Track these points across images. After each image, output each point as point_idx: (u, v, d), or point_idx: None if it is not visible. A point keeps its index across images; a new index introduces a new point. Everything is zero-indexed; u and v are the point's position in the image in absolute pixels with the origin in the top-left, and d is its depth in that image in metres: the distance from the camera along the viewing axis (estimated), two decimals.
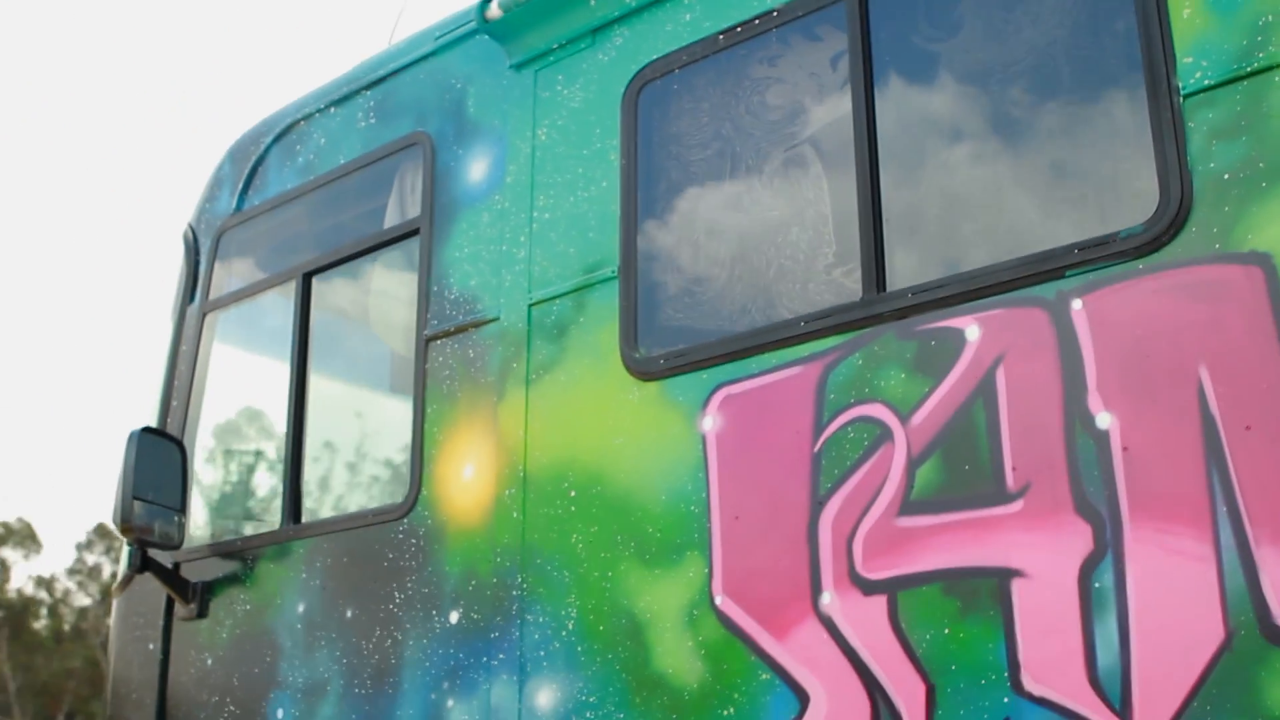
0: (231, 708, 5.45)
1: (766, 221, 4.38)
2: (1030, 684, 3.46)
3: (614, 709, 4.22)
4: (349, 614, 5.08)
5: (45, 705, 51.23)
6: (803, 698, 3.84)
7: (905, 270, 3.99)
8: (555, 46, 5.01)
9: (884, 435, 3.84)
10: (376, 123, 5.66)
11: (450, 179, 5.25)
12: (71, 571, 57.09)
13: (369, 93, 5.74)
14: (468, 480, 4.84)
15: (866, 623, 3.77)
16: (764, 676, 3.93)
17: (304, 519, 5.54)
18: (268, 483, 6.53)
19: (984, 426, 3.66)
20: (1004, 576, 3.55)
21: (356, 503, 6.59)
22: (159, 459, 5.62)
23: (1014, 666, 3.49)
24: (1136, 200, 3.61)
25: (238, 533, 6.42)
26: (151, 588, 5.84)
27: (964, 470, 3.67)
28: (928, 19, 4.17)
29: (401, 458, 5.62)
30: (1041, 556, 3.50)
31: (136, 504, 5.46)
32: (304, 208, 5.91)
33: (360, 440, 6.81)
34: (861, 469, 3.87)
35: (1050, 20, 3.90)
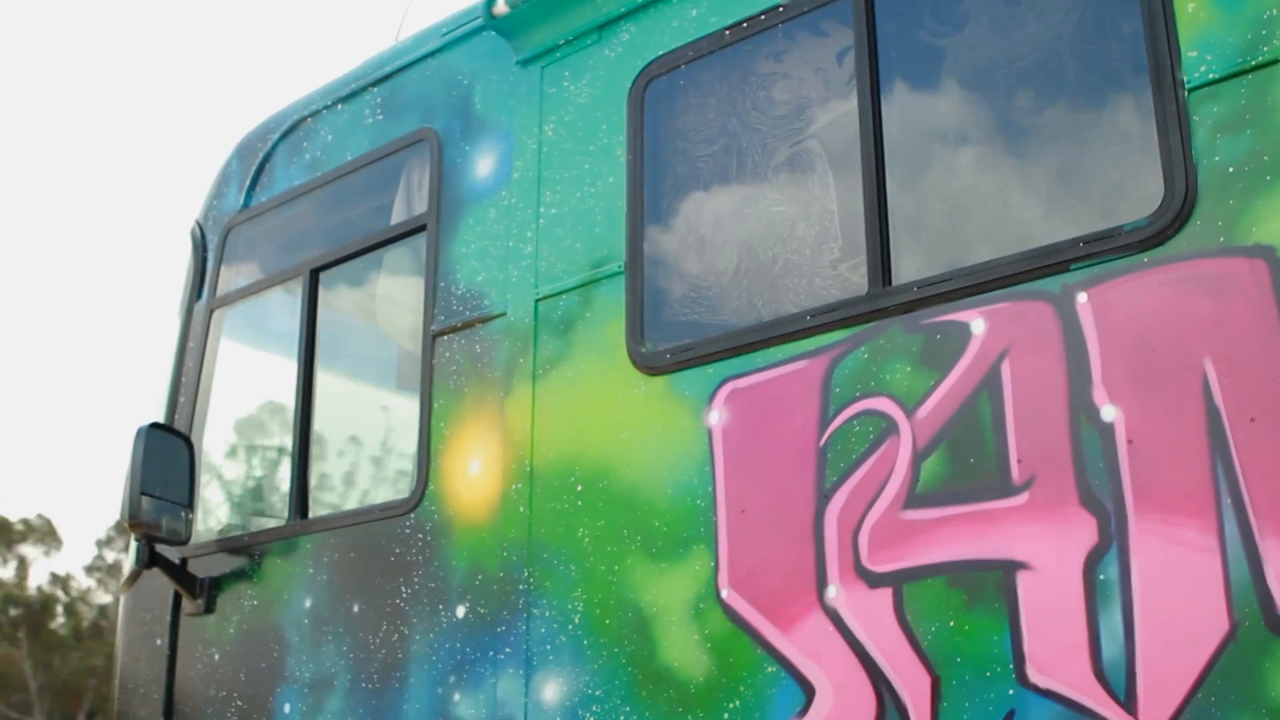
0: (238, 703, 5.47)
1: (772, 216, 4.39)
2: (1035, 676, 3.47)
3: (620, 702, 4.23)
4: (356, 609, 5.10)
5: (66, 704, 51.15)
6: (808, 690, 3.85)
7: (910, 264, 4.00)
8: (562, 42, 5.03)
9: (889, 429, 3.85)
10: (383, 119, 5.67)
11: (457, 175, 5.26)
12: (91, 569, 57.03)
13: (376, 89, 5.76)
14: (474, 475, 4.85)
15: (872, 616, 3.78)
16: (770, 669, 3.94)
17: (311, 514, 5.56)
18: (275, 478, 6.55)
19: (989, 420, 3.67)
20: (1009, 569, 3.56)
21: (363, 498, 6.62)
22: (167, 455, 5.64)
23: (1019, 659, 3.50)
24: (1141, 194, 3.61)
25: (245, 528, 6.44)
26: (159, 583, 5.86)
27: (969, 463, 3.68)
28: (933, 14, 4.17)
29: (408, 453, 5.63)
30: (1046, 549, 3.51)
31: (144, 499, 5.48)
32: (311, 204, 5.92)
33: (367, 436, 6.83)
34: (867, 462, 3.88)
35: (1055, 15, 3.91)
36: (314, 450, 5.69)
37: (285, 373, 5.83)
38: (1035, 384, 3.61)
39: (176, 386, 6.17)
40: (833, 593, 3.85)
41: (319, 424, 5.77)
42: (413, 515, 5.00)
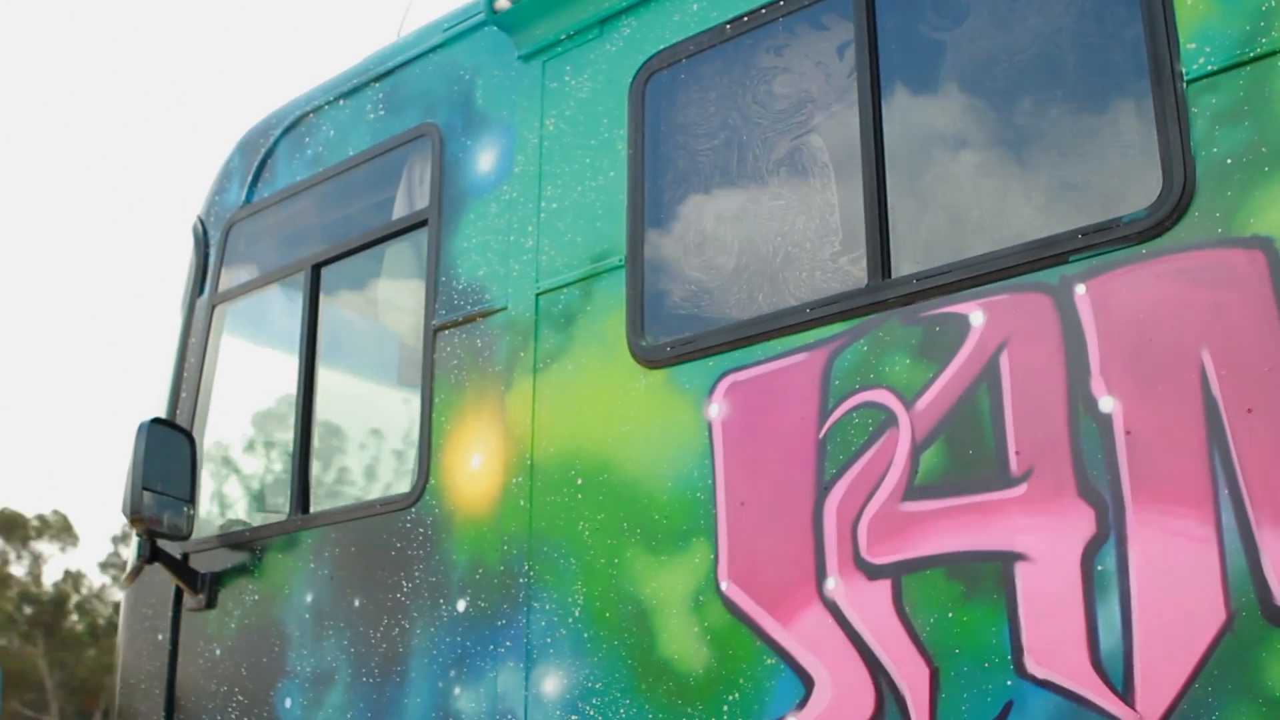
0: (240, 697, 5.47)
1: (772, 210, 4.39)
2: (1033, 667, 3.47)
3: (620, 695, 4.24)
4: (357, 603, 5.11)
5: (82, 702, 51.10)
6: (807, 682, 3.86)
7: (910, 257, 4.01)
8: (563, 37, 5.04)
9: (889, 421, 3.86)
10: (385, 114, 5.68)
11: (459, 170, 5.27)
12: (105, 565, 56.95)
13: (378, 85, 5.77)
14: (475, 469, 4.86)
15: (871, 607, 3.78)
16: (769, 661, 3.94)
17: (312, 509, 5.56)
18: (276, 473, 6.56)
19: (988, 411, 3.68)
20: (1007, 560, 3.56)
21: (364, 492, 6.62)
22: (168, 450, 5.65)
23: (1017, 650, 3.51)
24: (1139, 186, 3.62)
25: (246, 523, 6.45)
26: (161, 578, 5.87)
27: (968, 455, 3.69)
28: (933, 7, 4.18)
29: (409, 447, 5.64)
30: (1045, 540, 3.51)
31: (146, 495, 5.49)
32: (313, 200, 5.94)
33: (368, 430, 6.84)
34: (866, 455, 3.88)
35: (1054, 8, 3.92)
36: (315, 445, 5.70)
37: (287, 368, 5.84)
38: (1034, 376, 3.62)
39: (178, 382, 6.18)
40: (832, 585, 3.86)
41: (320, 419, 5.78)
42: (413, 509, 5.01)
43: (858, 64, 4.24)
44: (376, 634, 5.00)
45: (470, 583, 4.75)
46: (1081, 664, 3.40)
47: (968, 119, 4.07)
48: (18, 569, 54.92)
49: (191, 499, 5.67)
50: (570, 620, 4.42)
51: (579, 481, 4.52)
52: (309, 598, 5.29)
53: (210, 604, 5.70)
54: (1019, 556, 3.55)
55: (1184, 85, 3.54)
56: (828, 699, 3.81)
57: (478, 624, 4.69)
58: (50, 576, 56.28)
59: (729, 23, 4.58)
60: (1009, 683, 3.50)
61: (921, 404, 3.80)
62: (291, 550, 5.44)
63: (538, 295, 4.83)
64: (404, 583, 4.95)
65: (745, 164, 4.49)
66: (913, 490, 3.77)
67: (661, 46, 4.76)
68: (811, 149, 4.36)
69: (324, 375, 5.81)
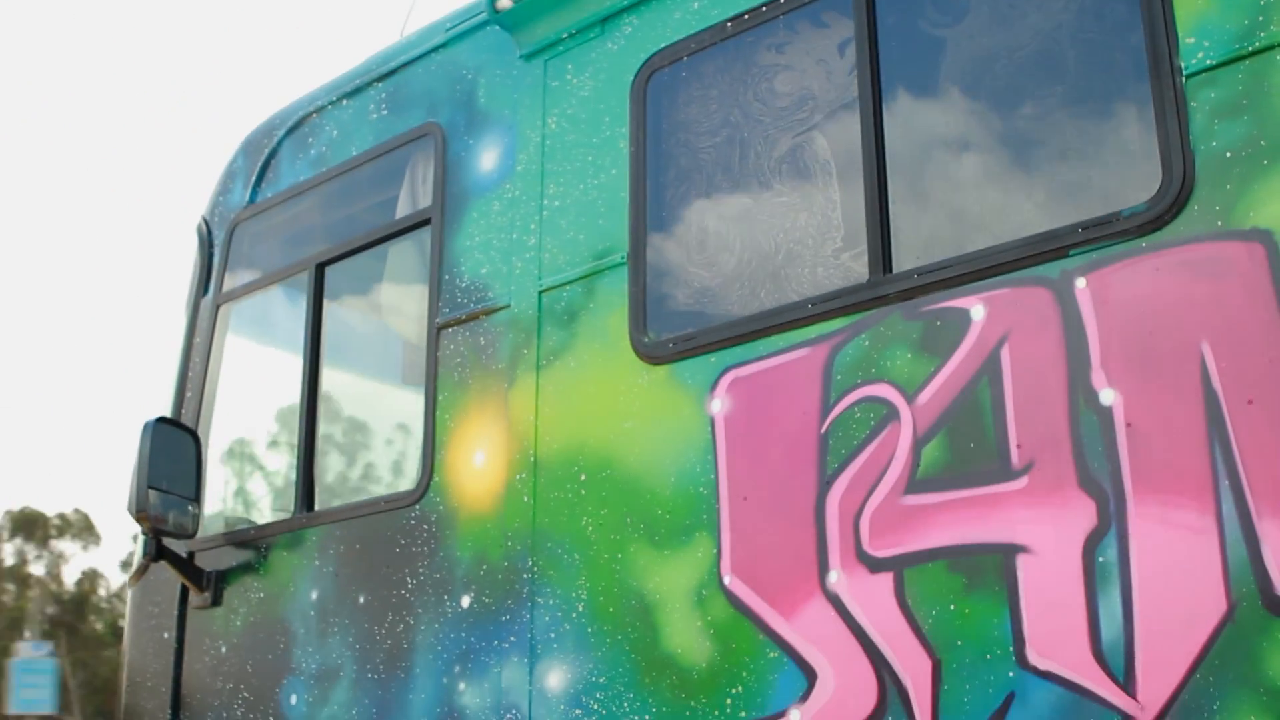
0: (245, 694, 5.49)
1: (773, 206, 4.41)
2: (1035, 658, 3.49)
3: (623, 689, 4.26)
4: (361, 600, 5.13)
5: (104, 702, 51.00)
6: (810, 675, 3.88)
7: (911, 251, 4.03)
8: (565, 36, 5.06)
9: (890, 415, 3.87)
10: (388, 114, 5.70)
11: (461, 169, 5.29)
12: (126, 564, 56.77)
13: (380, 85, 5.79)
14: (479, 466, 4.88)
15: (873, 600, 3.80)
16: (772, 655, 3.96)
17: (317, 507, 5.58)
18: (281, 471, 6.58)
19: (989, 405, 3.69)
20: (1009, 553, 3.58)
21: (369, 490, 6.64)
22: (174, 449, 5.68)
23: (1019, 641, 3.52)
24: (1139, 179, 3.63)
25: (251, 521, 6.47)
26: (166, 577, 5.90)
27: (969, 448, 3.71)
28: (933, 3, 4.20)
29: (414, 445, 5.66)
30: (1046, 532, 3.53)
31: (152, 493, 5.51)
32: (316, 199, 5.96)
33: (372, 428, 6.86)
34: (868, 449, 3.90)
35: (1054, 3, 3.93)
36: (320, 443, 5.72)
37: (291, 367, 5.86)
38: (1034, 369, 3.64)
39: (183, 381, 6.20)
40: (834, 578, 3.88)
41: (325, 417, 5.80)
42: (418, 506, 5.03)
43: (858, 61, 4.26)
44: (381, 630, 5.02)
45: (474, 579, 4.77)
46: (1083, 655, 3.42)
47: (968, 115, 4.09)
48: (37, 568, 54.78)
49: (196, 497, 5.70)
50: (574, 615, 4.44)
51: (582, 477, 4.54)
52: (314, 595, 5.31)
53: (216, 602, 5.72)
54: (1020, 549, 3.56)
55: (1183, 79, 3.56)
56: (830, 692, 3.83)
57: (482, 620, 4.71)
58: (72, 576, 56.15)
59: (730, 20, 4.60)
60: (1011, 674, 3.52)
61: (923, 398, 3.82)
62: (296, 548, 5.46)
63: (540, 293, 4.85)
64: (408, 579, 4.97)
65: (746, 161, 4.51)
66: (914, 484, 3.79)
67: (663, 45, 4.77)
68: (812, 146, 4.38)
69: (328, 374, 5.83)
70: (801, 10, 4.44)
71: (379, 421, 6.95)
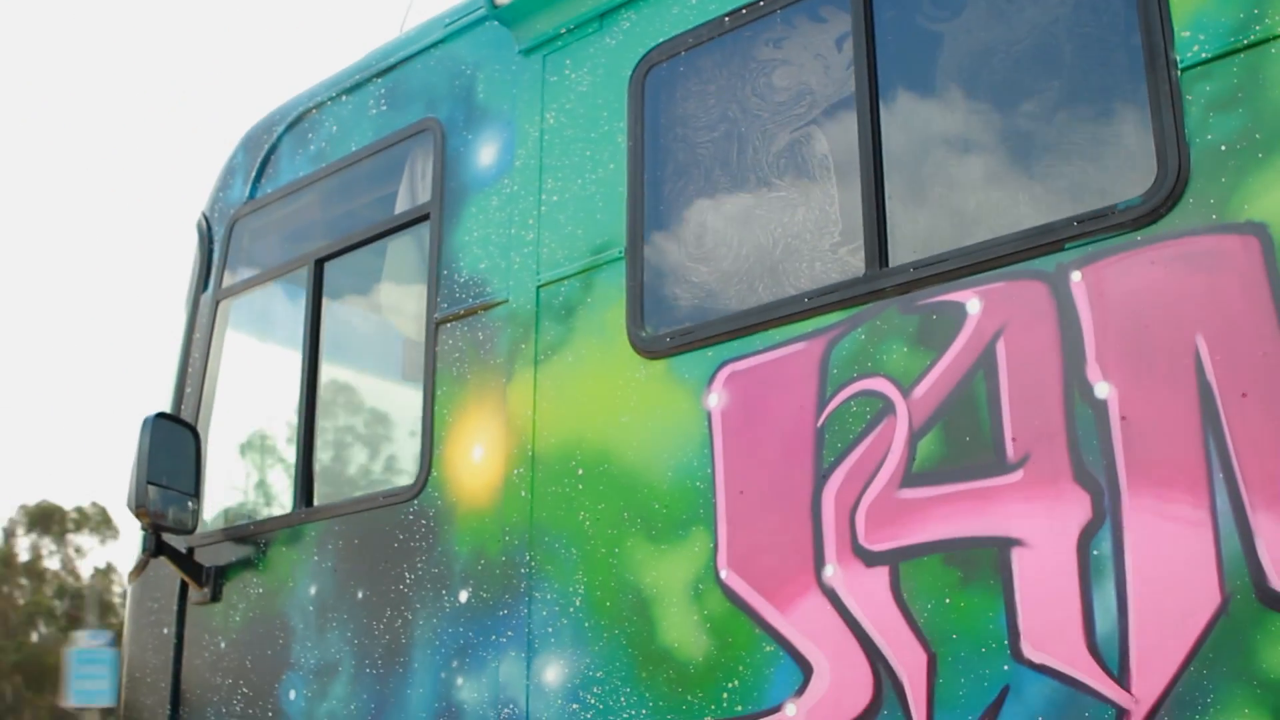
0: (245, 690, 5.50)
1: (770, 201, 4.41)
2: (1030, 651, 3.49)
3: (621, 683, 4.26)
4: (360, 595, 5.13)
5: None
6: (806, 669, 3.88)
7: (907, 245, 4.03)
8: (563, 31, 5.06)
9: (886, 409, 3.88)
10: (387, 110, 5.71)
11: (460, 164, 5.30)
12: None
13: (380, 80, 5.80)
14: (477, 461, 4.88)
15: (869, 594, 3.80)
16: (768, 649, 3.96)
17: (316, 502, 5.59)
18: (280, 467, 6.58)
19: (984, 398, 3.70)
20: (1004, 546, 3.58)
21: (368, 485, 6.65)
22: (173, 445, 5.68)
23: (1014, 634, 3.52)
24: (1135, 173, 3.64)
25: (250, 517, 6.48)
26: (166, 572, 5.90)
27: (965, 442, 3.71)
28: None
29: (412, 440, 5.66)
30: (1041, 525, 3.53)
31: (151, 489, 5.52)
32: (316, 195, 5.96)
33: (371, 423, 6.86)
34: (864, 442, 3.90)
35: None
36: (319, 439, 5.73)
37: (291, 363, 5.86)
38: (1030, 362, 3.64)
39: (183, 377, 6.21)
40: (830, 572, 3.88)
41: (324, 413, 5.80)
42: (416, 501, 5.03)
43: (855, 55, 4.26)
44: (380, 626, 5.02)
45: (472, 574, 4.77)
46: (1078, 648, 3.42)
47: (964, 109, 4.09)
48: (52, 562, 54.59)
49: (196, 493, 5.71)
50: (571, 610, 4.45)
51: (580, 472, 4.54)
52: (313, 590, 5.32)
53: (215, 597, 5.73)
54: (1016, 542, 3.56)
55: (1178, 73, 3.56)
56: (826, 685, 3.83)
57: (480, 614, 4.71)
58: (90, 570, 55.93)
59: (727, 15, 4.60)
60: (1006, 667, 3.52)
61: (919, 391, 3.82)
62: (295, 543, 5.47)
63: (538, 287, 4.85)
64: (407, 574, 4.98)
65: (744, 156, 4.51)
66: (910, 477, 3.79)
67: (660, 40, 4.78)
68: (809, 140, 4.38)
69: (327, 369, 5.84)
70: (799, 5, 4.45)
71: (378, 417, 6.96)
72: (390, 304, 6.36)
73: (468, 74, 5.41)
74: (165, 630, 5.90)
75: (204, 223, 6.44)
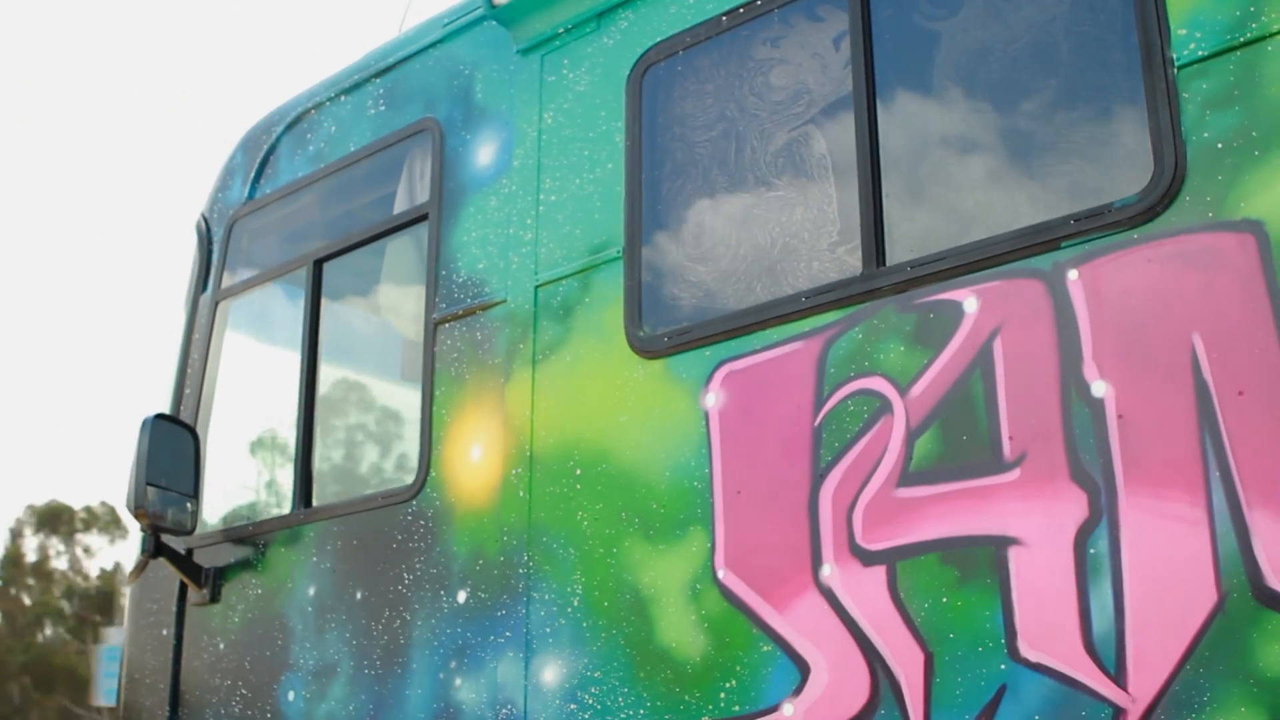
0: (244, 691, 5.50)
1: (768, 200, 4.41)
2: (1027, 650, 3.48)
3: (618, 683, 4.26)
4: (359, 596, 5.13)
5: None
6: (804, 669, 3.87)
7: (904, 244, 4.02)
8: (561, 31, 5.06)
9: (883, 408, 3.87)
10: (386, 110, 5.71)
11: (458, 164, 5.30)
12: None
13: (378, 80, 5.80)
14: (475, 461, 4.88)
15: (866, 593, 3.80)
16: (766, 648, 3.96)
17: (315, 503, 5.59)
18: (279, 468, 6.58)
19: (981, 397, 3.69)
20: (1001, 545, 3.58)
21: (366, 486, 6.65)
22: (172, 446, 5.68)
23: (1011, 633, 3.52)
24: (1131, 171, 3.63)
25: (249, 518, 6.47)
26: (165, 574, 5.90)
27: (962, 441, 3.70)
28: None
29: (410, 440, 5.66)
30: (1038, 524, 3.52)
31: (150, 490, 5.52)
32: (315, 195, 5.96)
33: (370, 424, 6.86)
34: (861, 442, 3.90)
35: None
36: (318, 439, 5.73)
37: (290, 363, 5.86)
38: (1027, 361, 3.63)
39: (182, 378, 6.21)
40: (827, 571, 3.87)
41: (323, 413, 5.80)
42: (414, 502, 5.03)
43: (853, 54, 4.25)
44: (378, 626, 5.02)
45: (470, 574, 4.77)
46: (1074, 647, 3.41)
47: (961, 107, 4.09)
48: (60, 563, 54.43)
49: (195, 494, 5.71)
50: (569, 610, 4.44)
51: (578, 472, 4.54)
52: (311, 591, 5.31)
53: (214, 598, 5.73)
54: (1013, 541, 3.56)
55: (1175, 71, 3.56)
56: (824, 685, 3.83)
57: (478, 615, 4.71)
58: (98, 570, 55.75)
59: (725, 15, 4.60)
60: (1003, 666, 3.51)
61: (916, 390, 3.82)
62: (294, 544, 5.47)
63: (537, 287, 4.85)
64: (405, 575, 4.98)
65: (741, 155, 4.50)
66: (907, 476, 3.78)
67: (658, 39, 4.77)
68: (807, 139, 4.38)
69: (326, 370, 5.84)
70: (796, 4, 4.44)
71: (377, 417, 6.96)
72: (389, 304, 6.36)
73: (466, 74, 5.41)
74: (164, 631, 5.90)
75: (203, 223, 6.44)
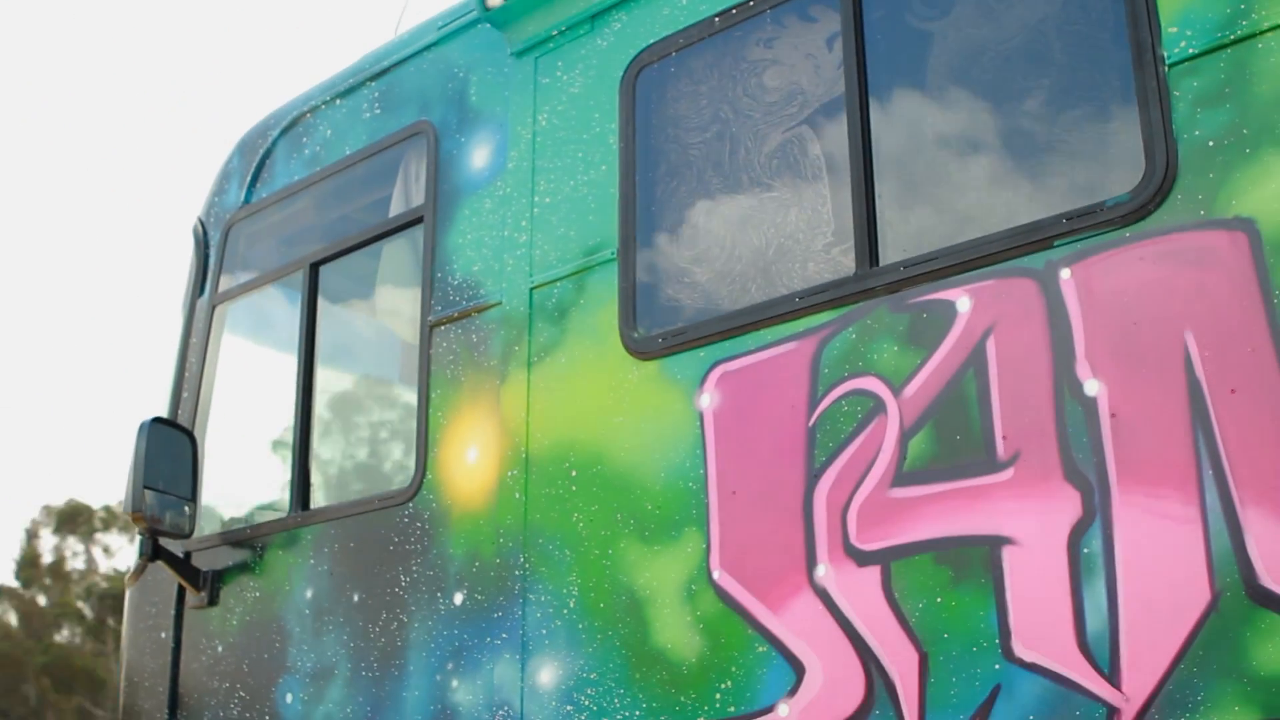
0: (242, 694, 5.50)
1: (762, 201, 4.41)
2: (1021, 650, 3.48)
3: (614, 684, 4.26)
4: (356, 598, 5.13)
5: None
6: (799, 669, 3.87)
7: (897, 244, 4.03)
8: (554, 33, 5.06)
9: (877, 408, 3.87)
10: (381, 113, 5.71)
11: (453, 167, 5.30)
12: None
13: (373, 84, 5.80)
14: (471, 463, 4.88)
15: (861, 594, 3.80)
16: (761, 649, 3.96)
17: (312, 506, 5.59)
18: (276, 471, 6.58)
19: (975, 396, 3.69)
20: (995, 544, 3.58)
21: (363, 488, 6.65)
22: (170, 449, 5.69)
23: (1005, 633, 3.52)
24: (1123, 169, 3.63)
25: (247, 521, 6.48)
26: (163, 577, 5.91)
27: (955, 440, 3.70)
28: None
29: (407, 443, 5.66)
30: (1031, 524, 3.53)
31: (148, 493, 5.52)
32: (311, 199, 5.97)
33: (367, 427, 6.86)
34: (855, 442, 3.90)
35: None
36: (315, 442, 5.73)
37: (286, 366, 5.87)
38: (1020, 360, 3.63)
39: (180, 382, 6.22)
40: (822, 572, 3.87)
41: (320, 416, 5.80)
42: (411, 504, 5.03)
43: (845, 55, 4.26)
44: (375, 628, 5.02)
45: (467, 576, 4.77)
46: (1068, 646, 3.41)
47: (953, 107, 4.09)
48: (78, 563, 54.34)
49: (193, 497, 5.71)
50: (565, 611, 4.44)
51: (573, 473, 4.54)
52: (309, 594, 5.32)
53: (212, 601, 5.73)
54: (1006, 540, 3.56)
55: (1165, 69, 3.56)
56: (819, 685, 3.83)
57: (474, 617, 4.71)
58: (116, 570, 55.62)
59: (718, 16, 4.60)
60: (997, 666, 3.52)
61: (909, 390, 3.82)
62: (291, 547, 5.47)
63: (531, 289, 4.85)
64: (402, 577, 4.98)
65: (735, 156, 4.51)
66: (901, 476, 3.79)
67: (651, 41, 4.78)
68: (800, 140, 4.38)
69: (323, 373, 5.84)
70: (788, 5, 4.44)
71: (373, 420, 6.96)
72: (385, 307, 6.36)
73: (460, 77, 5.41)
74: (163, 634, 5.90)
75: (200, 227, 6.44)
